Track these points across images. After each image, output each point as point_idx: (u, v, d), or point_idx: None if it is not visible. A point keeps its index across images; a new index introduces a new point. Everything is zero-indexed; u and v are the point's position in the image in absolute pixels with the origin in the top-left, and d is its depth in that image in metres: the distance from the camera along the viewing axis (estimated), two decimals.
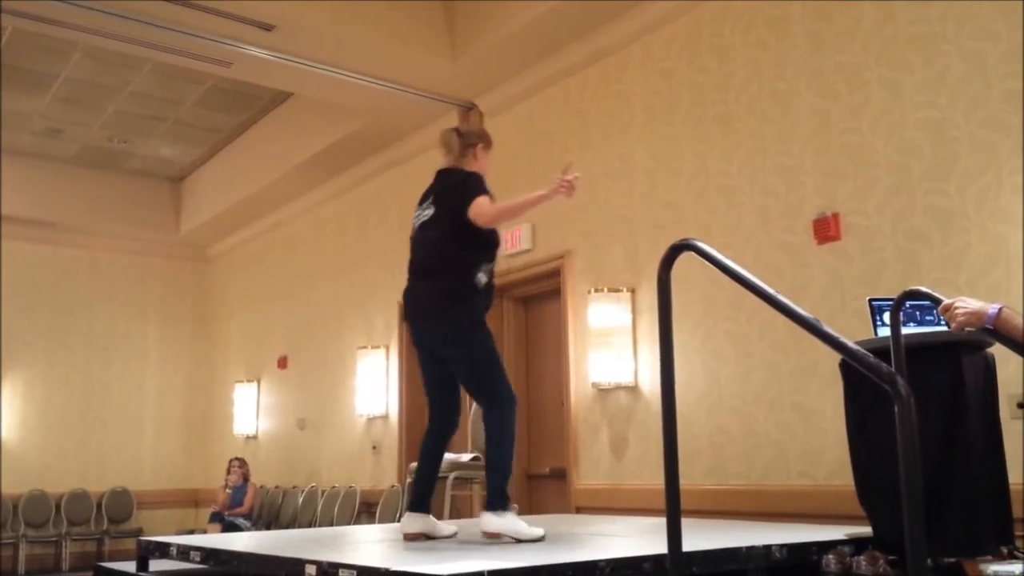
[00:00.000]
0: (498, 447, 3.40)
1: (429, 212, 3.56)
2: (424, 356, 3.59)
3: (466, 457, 5.40)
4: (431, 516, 3.50)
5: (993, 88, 3.91)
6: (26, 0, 5.56)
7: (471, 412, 5.80)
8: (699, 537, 3.08)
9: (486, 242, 3.51)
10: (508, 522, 3.25)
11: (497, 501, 3.28)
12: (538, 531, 3.30)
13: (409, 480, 5.64)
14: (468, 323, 3.43)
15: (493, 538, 3.25)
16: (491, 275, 3.54)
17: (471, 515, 6.19)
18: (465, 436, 5.83)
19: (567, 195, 3.45)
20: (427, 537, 3.44)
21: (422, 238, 3.57)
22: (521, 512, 6.03)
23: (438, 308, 3.45)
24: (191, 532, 8.77)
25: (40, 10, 5.69)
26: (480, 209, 3.39)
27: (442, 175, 3.65)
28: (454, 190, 3.52)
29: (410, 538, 3.41)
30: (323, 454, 8.52)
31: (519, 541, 3.21)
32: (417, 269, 3.56)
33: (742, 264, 2.30)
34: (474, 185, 3.49)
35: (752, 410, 4.77)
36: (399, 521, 3.63)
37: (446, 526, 3.56)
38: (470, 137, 3.71)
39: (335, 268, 8.58)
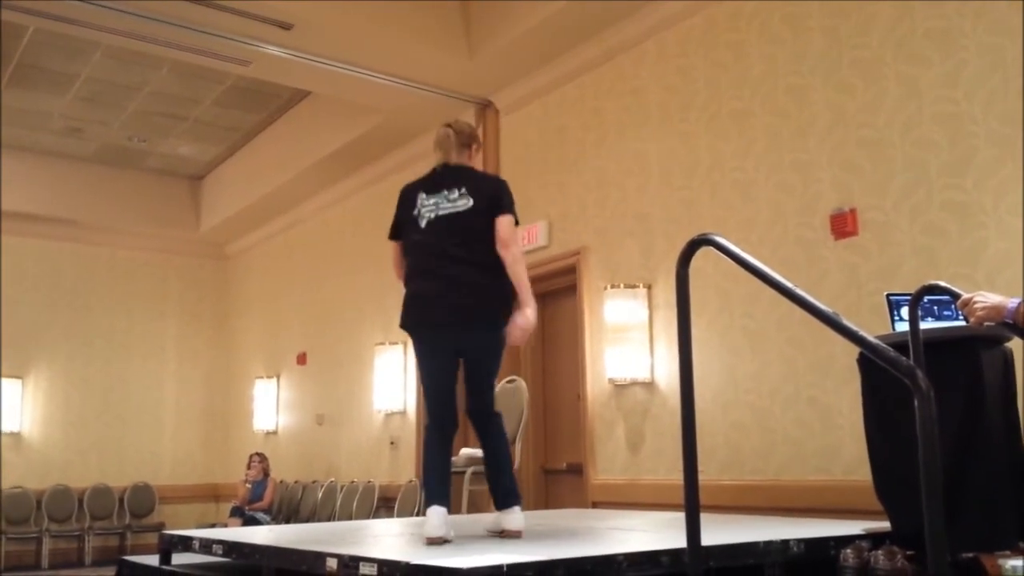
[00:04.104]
0: (505, 445, 3.42)
1: (465, 202, 3.25)
2: (444, 360, 3.31)
3: None
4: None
5: (1011, 82, 3.89)
6: (48, 0, 5.63)
7: None
8: (716, 532, 3.09)
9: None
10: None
11: (514, 498, 3.32)
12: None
13: None
14: (503, 324, 3.29)
15: (515, 536, 3.22)
16: None
17: (489, 510, 6.23)
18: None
19: (517, 335, 3.30)
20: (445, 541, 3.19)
21: (458, 228, 3.25)
22: (537, 507, 6.08)
23: (487, 305, 3.24)
24: (212, 526, 8.84)
25: (61, 10, 5.76)
26: (509, 239, 3.23)
27: (466, 171, 3.40)
28: (494, 191, 3.32)
29: (436, 542, 3.06)
30: (341, 449, 8.58)
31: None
32: (454, 259, 3.24)
33: (758, 259, 2.29)
34: (511, 201, 3.32)
35: (768, 405, 4.77)
36: (418, 516, 3.54)
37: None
38: (468, 137, 3.48)
39: (353, 265, 8.63)
